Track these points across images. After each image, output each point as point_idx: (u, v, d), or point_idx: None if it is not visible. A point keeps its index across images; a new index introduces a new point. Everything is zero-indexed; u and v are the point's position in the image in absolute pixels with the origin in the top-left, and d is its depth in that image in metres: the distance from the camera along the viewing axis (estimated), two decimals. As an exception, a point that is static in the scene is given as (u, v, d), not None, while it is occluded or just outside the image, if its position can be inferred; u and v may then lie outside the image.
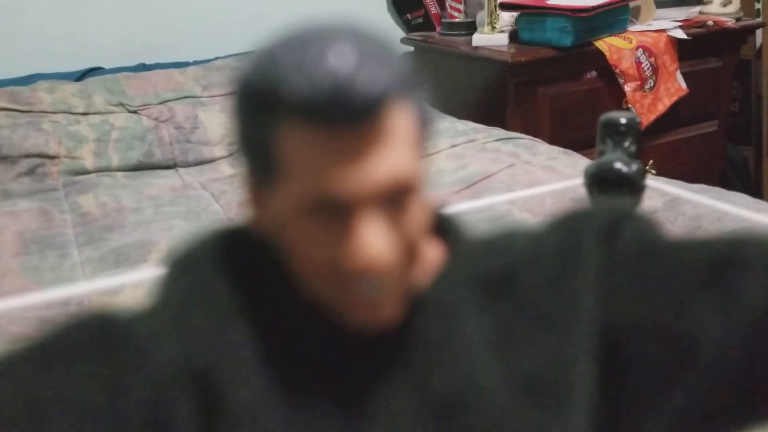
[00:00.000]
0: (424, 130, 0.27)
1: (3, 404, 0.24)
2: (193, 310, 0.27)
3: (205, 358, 0.26)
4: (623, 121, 0.48)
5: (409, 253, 0.27)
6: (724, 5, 2.16)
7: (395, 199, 0.26)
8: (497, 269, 0.30)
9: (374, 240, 0.25)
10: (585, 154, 1.57)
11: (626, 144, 0.47)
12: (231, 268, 0.28)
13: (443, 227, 0.31)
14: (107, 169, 1.55)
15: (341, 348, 0.27)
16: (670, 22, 2.06)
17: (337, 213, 0.25)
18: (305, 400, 0.26)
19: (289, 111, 0.24)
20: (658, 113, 2.01)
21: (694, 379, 0.28)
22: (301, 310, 0.27)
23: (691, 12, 2.15)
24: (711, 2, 2.18)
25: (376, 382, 0.27)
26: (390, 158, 0.25)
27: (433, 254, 0.30)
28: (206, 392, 0.25)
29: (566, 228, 0.31)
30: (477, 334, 0.28)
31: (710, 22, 2.09)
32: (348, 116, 0.24)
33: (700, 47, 2.07)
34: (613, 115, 0.48)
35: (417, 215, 0.27)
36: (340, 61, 0.24)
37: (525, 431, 0.27)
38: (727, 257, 0.29)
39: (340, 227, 0.25)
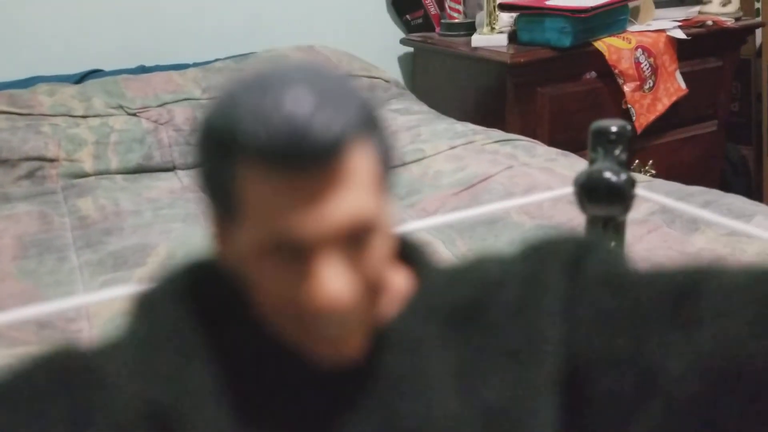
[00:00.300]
0: (386, 167, 0.27)
1: None
2: (156, 349, 0.27)
3: (167, 399, 0.26)
4: (614, 129, 0.48)
5: (371, 290, 0.27)
6: (724, 5, 2.16)
7: (355, 238, 0.26)
8: (464, 299, 0.30)
9: (333, 280, 0.25)
10: (584, 155, 1.56)
11: (617, 152, 0.47)
12: (198, 303, 0.28)
13: (411, 254, 0.31)
14: (106, 172, 1.55)
15: (306, 384, 0.28)
16: (669, 22, 2.05)
17: (297, 253, 0.25)
18: None
19: (247, 155, 0.25)
20: (657, 113, 2.01)
21: (655, 411, 0.28)
22: (266, 345, 0.28)
23: (691, 12, 2.15)
24: (710, 2, 2.17)
25: (341, 416, 0.27)
26: (348, 200, 0.25)
27: (399, 282, 0.30)
28: (169, 431, 0.26)
29: (533, 257, 0.31)
30: (440, 367, 0.29)
31: (710, 22, 2.09)
32: (304, 160, 0.24)
33: (700, 47, 2.07)
34: (604, 123, 0.48)
35: (379, 251, 0.27)
36: (297, 105, 0.24)
37: None
38: (688, 290, 0.29)
39: (300, 267, 0.26)
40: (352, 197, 0.25)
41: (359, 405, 0.27)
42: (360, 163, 0.25)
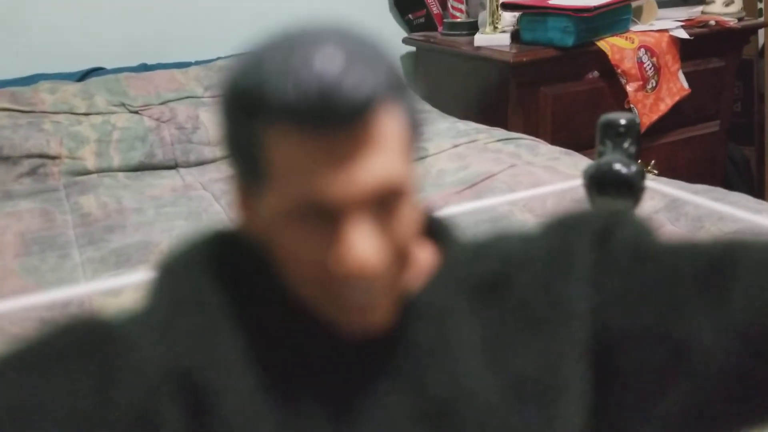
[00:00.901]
0: (414, 133, 0.26)
1: None
2: (182, 314, 0.27)
3: (193, 363, 0.26)
4: (623, 122, 0.47)
5: (400, 257, 0.27)
6: (727, 5, 2.15)
7: (384, 203, 0.25)
8: (489, 273, 0.30)
9: (363, 244, 0.24)
10: (587, 154, 1.57)
11: (626, 145, 0.47)
12: (221, 271, 0.28)
13: (435, 230, 0.31)
14: (108, 170, 1.55)
15: (332, 352, 0.27)
16: (672, 22, 2.05)
17: (326, 217, 0.25)
18: (296, 405, 0.26)
19: (275, 116, 0.24)
20: (660, 113, 2.01)
21: (686, 383, 0.28)
22: (292, 313, 0.27)
23: (694, 12, 2.15)
24: (713, 2, 2.17)
25: (367, 386, 0.27)
26: (378, 162, 0.24)
27: (425, 258, 0.30)
28: (195, 396, 0.25)
29: (559, 231, 0.31)
30: (468, 338, 0.28)
31: (712, 22, 2.08)
32: (334, 120, 0.23)
33: (703, 47, 2.07)
34: (612, 116, 0.48)
35: (407, 219, 0.26)
36: (327, 64, 0.23)
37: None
38: (718, 262, 0.28)
39: (329, 231, 0.25)
40: (382, 160, 0.24)
41: (385, 375, 0.27)
42: (390, 125, 0.25)
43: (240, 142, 0.25)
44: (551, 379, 0.28)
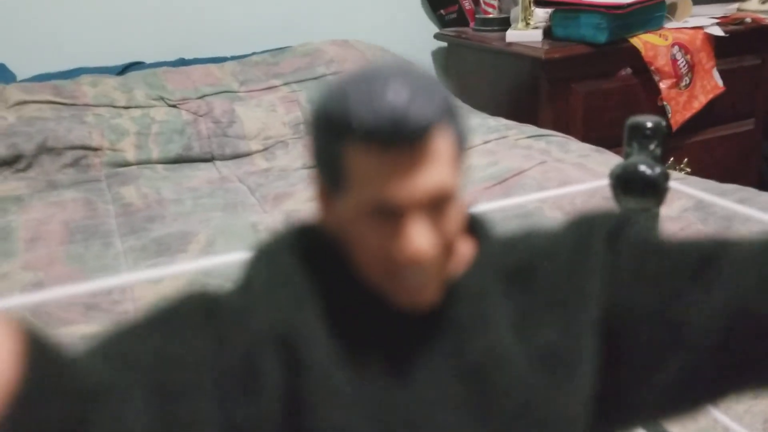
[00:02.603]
0: (461, 149, 0.33)
1: (136, 356, 0.30)
2: (275, 289, 0.33)
3: (288, 327, 0.32)
4: (649, 125, 0.49)
5: (447, 249, 0.33)
6: (763, 2, 2.13)
7: (437, 205, 0.32)
8: (519, 262, 0.36)
9: (420, 237, 0.31)
10: (618, 152, 1.57)
11: (651, 147, 0.48)
12: (305, 257, 0.34)
13: (474, 226, 0.37)
14: (148, 162, 1.60)
15: (391, 324, 0.34)
16: (707, 19, 2.04)
17: (392, 216, 0.31)
18: (362, 366, 0.33)
19: (356, 136, 0.30)
20: (693, 111, 2.00)
21: (681, 356, 0.34)
22: (360, 293, 0.34)
23: (729, 9, 2.13)
24: (750, -1, 2.15)
25: (417, 352, 0.33)
26: (434, 173, 0.31)
27: (465, 249, 0.36)
28: (289, 352, 0.32)
29: (579, 228, 0.37)
30: (501, 315, 0.34)
31: (748, 19, 2.06)
32: (402, 140, 0.30)
33: (738, 44, 2.05)
34: (639, 118, 0.50)
35: (454, 218, 0.33)
36: (397, 96, 0.30)
37: (539, 394, 0.33)
38: (710, 256, 0.35)
39: (394, 227, 0.31)
40: (437, 171, 0.31)
41: (433, 343, 0.34)
42: (443, 144, 0.31)
43: (325, 156, 0.32)
44: (571, 350, 0.34)
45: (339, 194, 0.32)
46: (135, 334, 0.32)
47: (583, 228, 0.37)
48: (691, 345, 0.33)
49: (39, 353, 0.27)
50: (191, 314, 0.32)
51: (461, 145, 0.33)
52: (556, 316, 0.34)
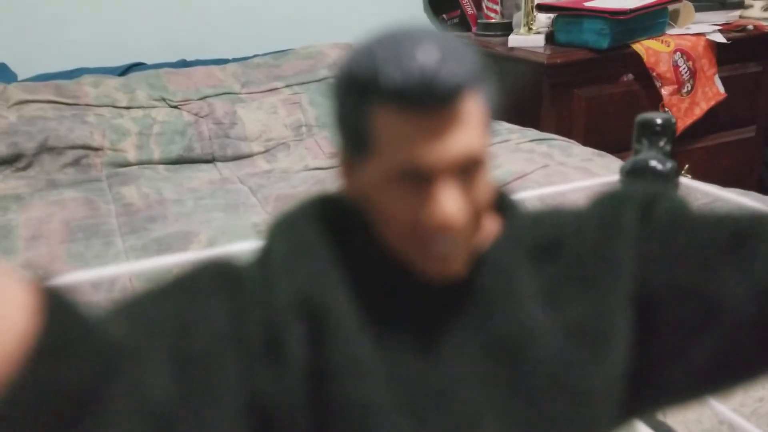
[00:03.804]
0: (490, 114, 0.32)
1: (157, 323, 0.30)
2: (299, 257, 0.33)
3: (313, 294, 0.31)
4: (659, 121, 0.49)
5: (475, 218, 0.32)
6: (766, 9, 2.13)
7: (467, 170, 0.31)
8: (546, 238, 0.35)
9: (450, 202, 0.30)
10: (620, 157, 1.57)
11: (661, 143, 0.48)
12: (327, 227, 0.33)
13: (500, 203, 0.36)
14: (149, 162, 1.60)
15: (417, 295, 0.33)
16: (709, 26, 2.04)
17: (420, 180, 0.30)
18: (388, 335, 0.32)
19: (384, 97, 0.29)
20: (695, 117, 2.00)
21: (715, 332, 0.33)
22: (385, 263, 0.33)
23: (732, 16, 2.13)
24: (752, 6, 2.15)
25: (445, 323, 0.33)
26: (464, 136, 0.30)
27: (491, 224, 0.35)
28: (314, 320, 0.31)
29: (608, 203, 0.36)
30: (528, 289, 0.34)
31: (750, 26, 2.07)
32: (432, 102, 0.29)
33: (740, 51, 2.05)
34: (649, 115, 0.50)
35: (482, 186, 0.32)
36: (427, 57, 0.29)
37: (571, 368, 0.33)
38: (746, 230, 0.34)
39: (422, 192, 0.30)
40: (467, 135, 0.30)
41: (461, 313, 0.33)
42: (473, 107, 0.30)
43: (350, 118, 0.31)
44: (600, 326, 0.33)
45: (364, 160, 0.31)
46: (155, 300, 0.31)
47: (613, 203, 0.36)
48: (725, 322, 0.33)
49: (59, 310, 0.26)
50: (211, 283, 0.32)
51: (490, 110, 0.32)
52: (585, 291, 0.34)
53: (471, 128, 0.30)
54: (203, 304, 0.31)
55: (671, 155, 0.51)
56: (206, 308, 0.31)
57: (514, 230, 0.35)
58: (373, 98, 0.30)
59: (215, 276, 0.32)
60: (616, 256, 0.34)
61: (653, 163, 0.48)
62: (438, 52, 0.29)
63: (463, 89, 0.30)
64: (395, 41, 0.30)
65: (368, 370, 0.31)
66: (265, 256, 0.34)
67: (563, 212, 0.37)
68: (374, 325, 0.32)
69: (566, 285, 0.34)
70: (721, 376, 0.34)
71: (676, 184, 0.48)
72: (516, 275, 0.33)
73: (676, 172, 0.48)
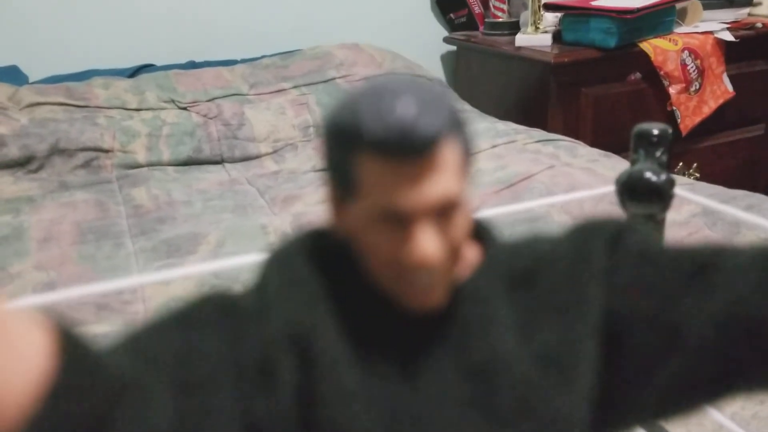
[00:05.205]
0: (467, 159, 0.34)
1: (159, 353, 0.32)
2: (290, 290, 0.35)
3: (302, 326, 0.34)
4: (655, 132, 0.50)
5: (454, 253, 0.34)
6: (774, 7, 2.12)
7: (444, 212, 0.33)
8: (522, 268, 0.37)
9: (427, 242, 0.32)
10: (627, 157, 1.57)
11: (657, 154, 0.49)
12: (317, 260, 0.36)
13: (480, 232, 0.38)
14: (158, 164, 1.61)
15: (399, 325, 0.35)
16: (717, 24, 2.03)
17: (400, 222, 0.33)
18: (372, 362, 0.34)
19: (367, 147, 0.32)
20: (703, 116, 2.00)
21: (678, 359, 0.35)
22: (370, 295, 0.35)
23: (740, 14, 2.13)
24: (760, 4, 2.14)
25: (425, 350, 0.35)
26: (441, 181, 0.32)
27: (471, 254, 0.37)
28: (303, 351, 0.33)
29: (580, 235, 0.38)
30: (504, 318, 0.36)
31: (759, 24, 2.06)
32: (411, 151, 0.32)
33: (748, 49, 2.05)
34: (645, 125, 0.51)
35: (460, 225, 0.34)
36: (405, 110, 0.31)
37: (540, 393, 0.35)
38: (707, 262, 0.36)
39: (402, 232, 0.33)
40: (443, 180, 0.32)
41: (440, 341, 0.35)
42: (450, 154, 0.33)
43: (337, 164, 0.34)
44: (570, 353, 0.35)
45: (350, 200, 0.34)
46: (156, 332, 0.33)
47: (585, 234, 0.38)
48: (687, 348, 0.35)
49: (72, 348, 0.28)
50: (210, 314, 0.34)
51: (468, 155, 0.34)
52: (556, 319, 0.36)
53: (448, 173, 0.32)
54: (203, 335, 0.33)
55: (672, 161, 0.52)
56: (206, 339, 0.33)
57: (492, 261, 0.37)
58: (357, 148, 0.32)
59: (214, 308, 0.34)
60: (586, 288, 0.36)
61: (648, 174, 0.48)
62: (416, 105, 0.31)
63: (440, 138, 0.32)
64: (377, 95, 0.32)
65: (353, 397, 0.33)
66: (259, 288, 0.36)
67: (540, 241, 0.39)
68: (360, 353, 0.34)
69: (539, 313, 0.36)
70: (684, 398, 0.36)
71: (671, 196, 0.49)
72: (492, 304, 0.36)
73: (671, 184, 0.49)
